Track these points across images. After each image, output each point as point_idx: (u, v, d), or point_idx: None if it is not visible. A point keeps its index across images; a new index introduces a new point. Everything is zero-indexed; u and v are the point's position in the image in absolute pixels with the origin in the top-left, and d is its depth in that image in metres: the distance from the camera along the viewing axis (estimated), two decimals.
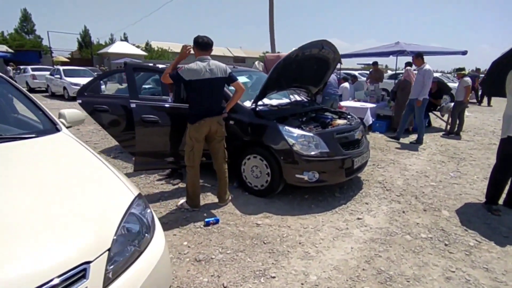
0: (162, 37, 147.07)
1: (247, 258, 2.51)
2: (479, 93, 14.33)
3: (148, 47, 42.00)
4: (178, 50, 3.10)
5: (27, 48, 31.86)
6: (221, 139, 3.23)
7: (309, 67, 4.12)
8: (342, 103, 8.07)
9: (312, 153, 3.33)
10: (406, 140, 6.69)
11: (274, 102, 4.10)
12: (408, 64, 8.83)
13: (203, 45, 2.99)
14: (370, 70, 11.33)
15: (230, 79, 3.10)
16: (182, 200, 3.41)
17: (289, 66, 3.67)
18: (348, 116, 4.31)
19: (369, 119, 7.25)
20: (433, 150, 6.05)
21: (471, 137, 7.32)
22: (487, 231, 3.01)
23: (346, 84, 9.16)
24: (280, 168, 3.39)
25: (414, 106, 6.38)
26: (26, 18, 38.05)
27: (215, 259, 2.48)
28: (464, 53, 8.68)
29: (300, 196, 3.69)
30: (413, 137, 6.83)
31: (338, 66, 6.19)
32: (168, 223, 3.02)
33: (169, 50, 39.75)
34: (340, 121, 4.00)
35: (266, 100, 4.01)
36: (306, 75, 4.26)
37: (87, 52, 38.14)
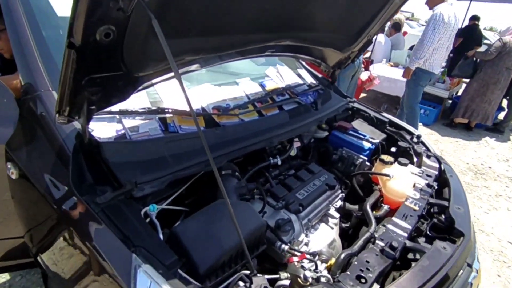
0: None
1: None
2: None
3: None
4: None
5: None
6: None
7: None
8: (374, 68, 5.00)
9: None
10: (480, 146, 3.84)
11: (196, 99, 1.19)
12: (474, 17, 5.72)
13: None
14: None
15: None
16: None
17: None
18: (429, 160, 1.43)
19: None
20: None
21: None
22: None
23: (381, 37, 5.92)
24: None
25: None
26: None
27: None
28: None
29: None
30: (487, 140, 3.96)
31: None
32: None
33: None
34: (404, 188, 1.16)
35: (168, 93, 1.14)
36: (313, 14, 1.30)
37: None
